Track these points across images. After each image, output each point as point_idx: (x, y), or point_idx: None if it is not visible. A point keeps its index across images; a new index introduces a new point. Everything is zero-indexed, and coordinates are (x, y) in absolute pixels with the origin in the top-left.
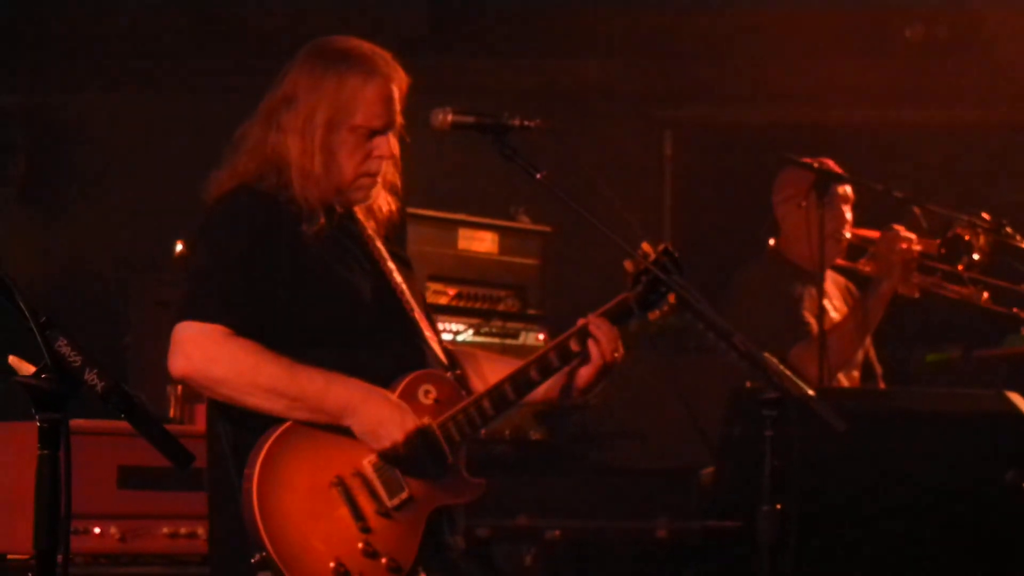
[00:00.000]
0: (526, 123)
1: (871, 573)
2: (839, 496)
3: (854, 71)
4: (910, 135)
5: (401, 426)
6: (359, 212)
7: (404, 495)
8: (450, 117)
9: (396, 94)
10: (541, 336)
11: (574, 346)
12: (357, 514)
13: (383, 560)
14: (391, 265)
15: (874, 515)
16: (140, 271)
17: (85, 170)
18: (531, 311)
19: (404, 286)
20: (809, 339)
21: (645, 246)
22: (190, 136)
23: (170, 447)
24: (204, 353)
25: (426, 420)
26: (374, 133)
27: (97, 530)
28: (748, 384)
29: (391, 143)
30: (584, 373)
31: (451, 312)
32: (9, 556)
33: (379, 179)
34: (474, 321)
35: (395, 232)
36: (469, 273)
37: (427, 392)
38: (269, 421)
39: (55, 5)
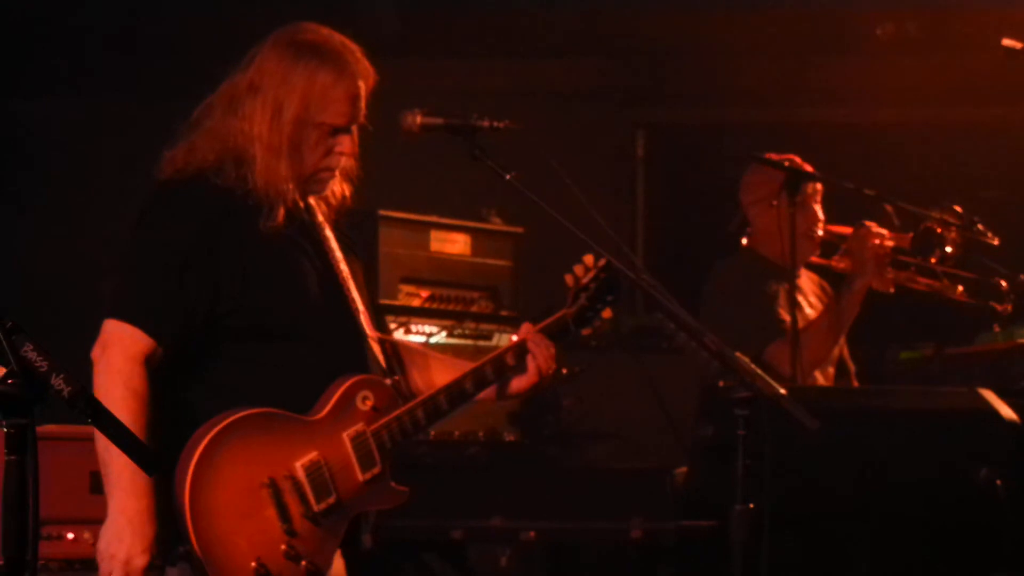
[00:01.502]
0: (495, 124)
1: (844, 572)
2: (812, 495)
3: (825, 70)
4: (881, 133)
5: (127, 552)
6: (312, 200)
7: (331, 500)
8: (419, 119)
9: (363, 91)
10: (515, 337)
11: (510, 360)
12: (284, 516)
13: (303, 563)
14: (339, 256)
15: (847, 513)
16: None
17: (50, 173)
18: (504, 312)
19: (351, 283)
20: (784, 337)
21: (587, 259)
22: (158, 139)
23: (137, 451)
24: (106, 359)
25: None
26: (338, 130)
27: (71, 535)
28: (720, 383)
29: (353, 139)
30: (518, 383)
31: (424, 314)
32: None
33: (337, 172)
34: (447, 323)
35: (346, 217)
36: (442, 275)
37: (365, 398)
38: (208, 415)
39: (19, 8)
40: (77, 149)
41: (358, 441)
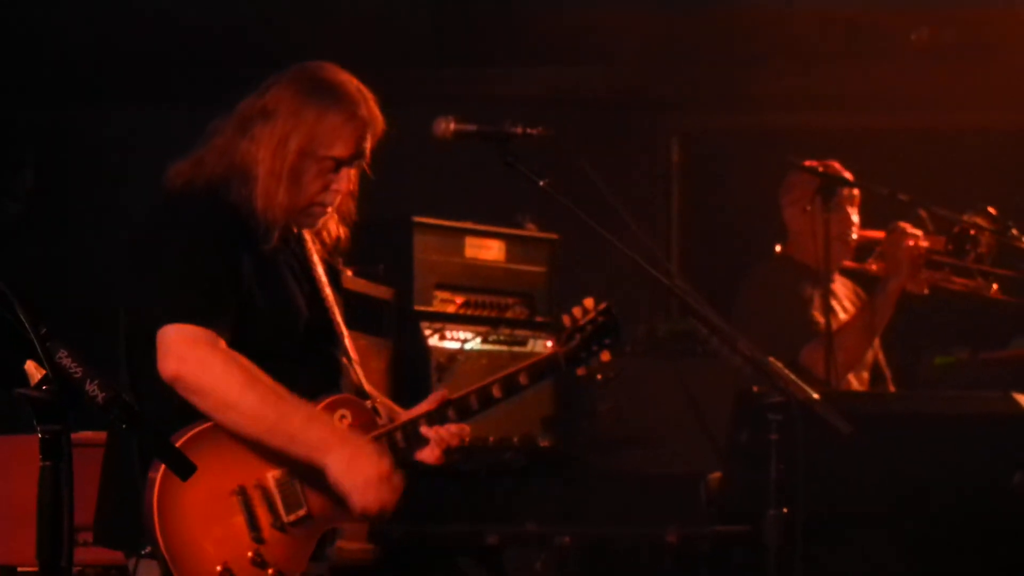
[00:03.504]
0: (528, 131)
1: None
2: (846, 500)
3: (860, 75)
4: (916, 139)
5: (377, 466)
6: (306, 233)
7: (302, 512)
8: (452, 126)
9: (370, 137)
10: (549, 343)
11: (496, 393)
12: (252, 524)
13: (269, 571)
14: (325, 282)
15: (881, 518)
16: None
17: (94, 185)
18: (539, 319)
19: (336, 309)
20: (820, 339)
21: (587, 302)
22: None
23: (172, 457)
24: (198, 359)
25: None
26: (340, 165)
27: (100, 545)
28: (754, 389)
29: (351, 177)
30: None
31: (459, 320)
32: (19, 568)
33: (329, 209)
34: (482, 329)
35: (338, 255)
36: (476, 281)
37: (343, 417)
38: (185, 420)
39: (66, 19)
40: (120, 157)
41: None
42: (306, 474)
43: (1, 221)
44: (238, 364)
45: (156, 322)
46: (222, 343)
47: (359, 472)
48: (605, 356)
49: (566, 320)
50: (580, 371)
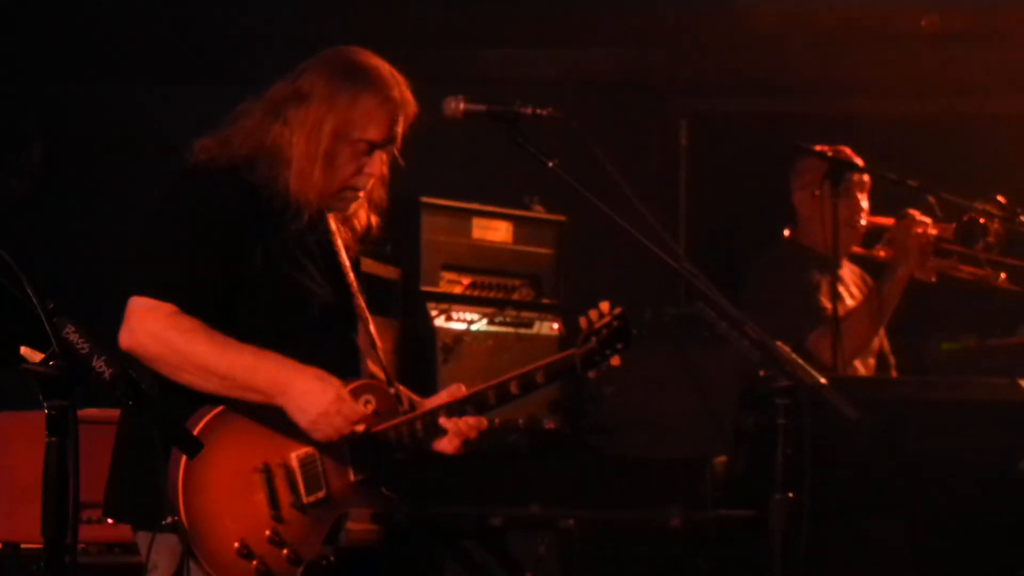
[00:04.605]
0: (538, 111)
1: (883, 562)
2: (852, 485)
3: (869, 61)
4: (926, 125)
5: (323, 399)
6: (333, 219)
7: (321, 494)
8: (462, 105)
9: (402, 121)
10: (555, 325)
11: (514, 390)
12: (273, 502)
13: (285, 551)
14: (348, 266)
15: (887, 503)
16: None
17: (101, 161)
18: (545, 300)
19: (360, 295)
20: (827, 325)
21: (603, 306)
22: (207, 128)
23: (178, 434)
24: (145, 329)
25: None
26: (373, 147)
27: (111, 519)
28: (761, 373)
29: (383, 161)
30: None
31: (465, 301)
32: (23, 545)
33: (361, 194)
34: (488, 310)
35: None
36: (483, 262)
37: (367, 402)
38: (202, 397)
39: None
40: (127, 134)
41: (355, 442)
42: (330, 456)
43: (8, 197)
44: (180, 328)
45: (129, 293)
46: (176, 312)
47: (309, 409)
48: (616, 361)
49: (582, 322)
50: (591, 374)
